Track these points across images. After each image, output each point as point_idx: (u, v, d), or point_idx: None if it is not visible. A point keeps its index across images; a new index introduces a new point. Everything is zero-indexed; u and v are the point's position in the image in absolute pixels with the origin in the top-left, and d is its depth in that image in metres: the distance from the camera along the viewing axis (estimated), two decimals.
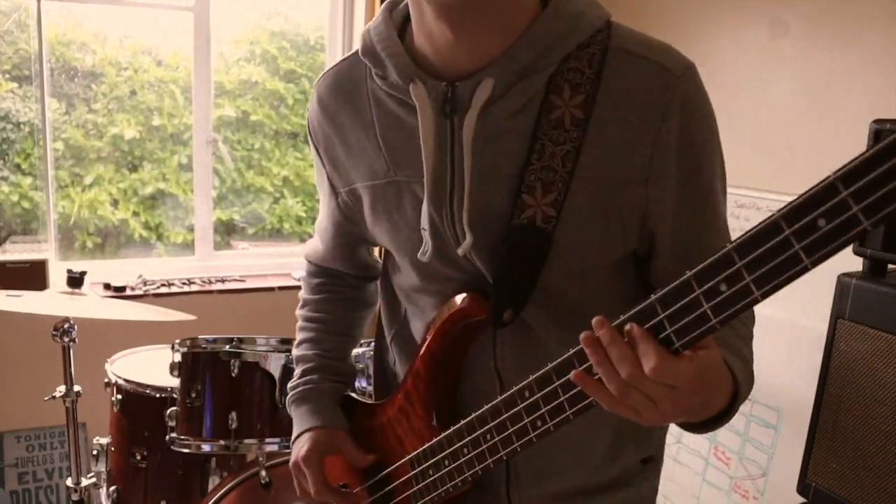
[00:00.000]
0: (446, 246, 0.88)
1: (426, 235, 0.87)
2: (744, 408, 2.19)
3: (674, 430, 2.56)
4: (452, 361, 0.95)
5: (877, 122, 1.44)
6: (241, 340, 1.73)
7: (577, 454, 0.97)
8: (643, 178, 0.82)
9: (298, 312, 1.19)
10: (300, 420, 1.09)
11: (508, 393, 0.80)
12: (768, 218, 0.59)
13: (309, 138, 1.01)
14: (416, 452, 0.95)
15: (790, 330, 2.04)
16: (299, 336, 1.17)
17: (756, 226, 0.60)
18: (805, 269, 0.57)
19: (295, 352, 1.16)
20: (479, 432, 0.84)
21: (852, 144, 1.92)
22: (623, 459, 0.99)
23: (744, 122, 2.21)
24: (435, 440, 0.92)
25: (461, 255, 0.86)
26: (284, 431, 1.75)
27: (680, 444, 2.39)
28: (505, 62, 0.79)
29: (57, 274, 2.65)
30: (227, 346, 1.72)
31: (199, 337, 1.74)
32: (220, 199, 3.11)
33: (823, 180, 0.54)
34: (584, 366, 0.71)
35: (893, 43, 1.85)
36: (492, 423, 0.82)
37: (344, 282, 1.17)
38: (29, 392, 2.33)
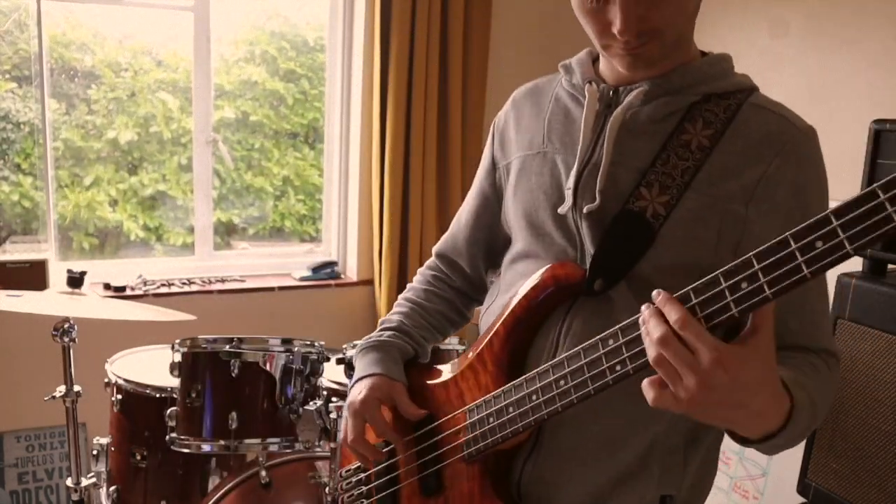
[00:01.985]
0: (569, 211, 1.02)
1: (569, 194, 1.02)
2: None
3: None
4: (531, 323, 1.02)
5: (877, 122, 1.44)
6: (241, 340, 1.73)
7: (601, 446, 1.00)
8: (746, 200, 0.94)
9: (401, 296, 1.28)
10: (363, 366, 1.15)
11: (591, 341, 0.87)
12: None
13: (491, 132, 1.21)
14: (475, 402, 1.01)
15: None
16: (394, 310, 1.26)
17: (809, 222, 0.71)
18: (804, 279, 0.70)
19: (383, 317, 1.24)
20: (552, 378, 0.91)
21: (852, 144, 1.91)
22: (644, 487, 0.99)
23: None
24: (500, 389, 0.98)
25: (586, 214, 1.00)
26: (284, 431, 1.75)
27: None
28: (659, 80, 0.98)
29: (57, 274, 2.65)
30: (227, 346, 1.72)
31: (199, 337, 1.74)
32: (221, 200, 3.11)
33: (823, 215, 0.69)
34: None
35: (893, 43, 1.85)
36: (568, 369, 0.89)
37: (453, 283, 1.28)
38: (29, 392, 2.33)
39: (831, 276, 1.52)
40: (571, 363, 0.88)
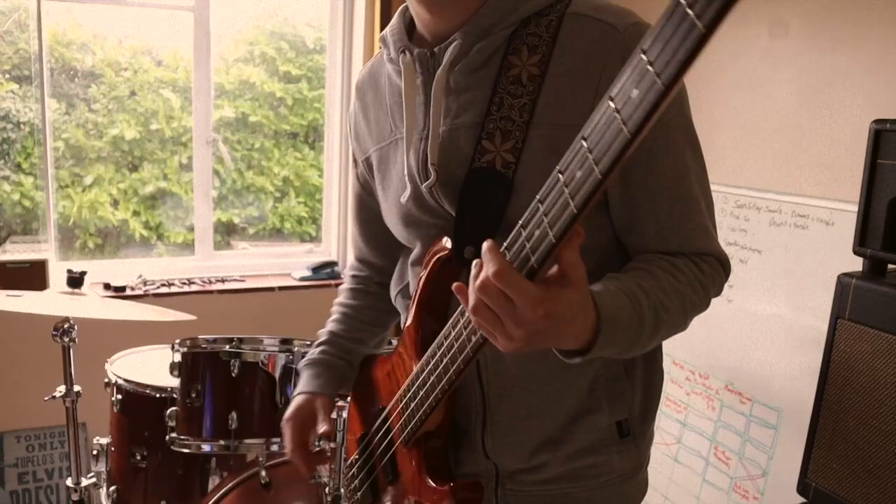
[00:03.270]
0: (421, 193, 0.99)
1: (406, 180, 1.00)
2: (743, 408, 2.19)
3: (674, 429, 2.55)
4: (437, 305, 1.02)
5: (877, 122, 1.44)
6: (241, 340, 1.72)
7: (548, 399, 1.01)
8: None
9: (335, 301, 1.35)
10: (298, 386, 1.25)
11: (455, 314, 0.87)
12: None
13: (348, 128, 1.20)
14: (401, 389, 1.04)
15: (790, 330, 2.04)
16: (329, 319, 1.32)
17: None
18: (574, 215, 0.64)
19: (319, 331, 1.31)
20: (438, 355, 0.92)
21: (852, 144, 1.91)
22: (596, 419, 1.02)
23: (744, 122, 2.21)
24: (412, 374, 1.00)
25: (426, 193, 0.98)
26: None
27: (680, 444, 2.39)
28: (468, 27, 0.93)
29: (57, 274, 2.65)
30: (227, 346, 1.71)
31: (199, 337, 1.74)
32: (221, 200, 3.11)
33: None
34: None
35: (893, 43, 1.85)
36: (445, 345, 0.90)
37: (373, 279, 1.31)
38: (29, 392, 2.33)
39: (831, 275, 1.52)
40: (446, 339, 0.89)
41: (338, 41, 3.09)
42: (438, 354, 0.91)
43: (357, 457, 1.19)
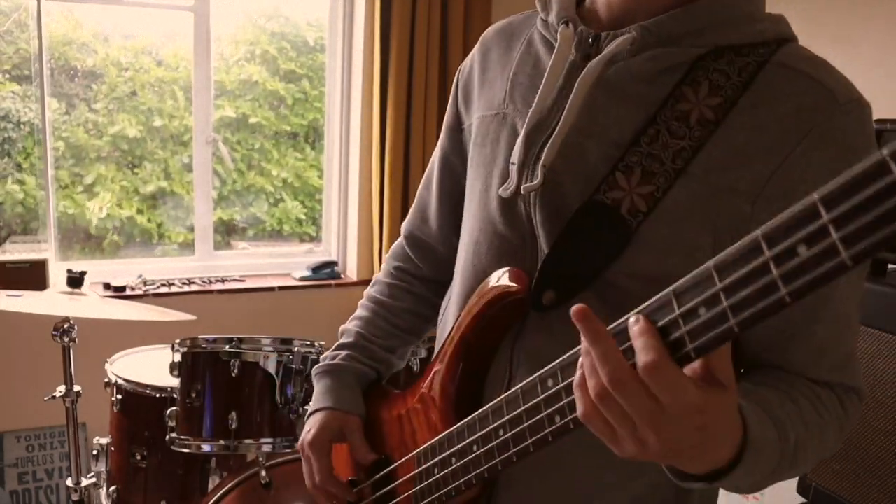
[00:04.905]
0: (517, 194, 0.81)
1: (513, 169, 0.81)
2: None
3: None
4: (484, 347, 0.84)
5: (877, 122, 1.44)
6: (241, 340, 1.73)
7: (565, 485, 0.83)
8: (753, 195, 0.71)
9: (366, 292, 1.12)
10: (316, 396, 1.02)
11: (529, 380, 0.69)
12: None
13: (455, 83, 1.00)
14: (423, 447, 0.86)
15: None
16: (355, 313, 1.10)
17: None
18: (782, 303, 0.47)
19: (343, 326, 1.09)
20: (491, 426, 0.73)
21: None
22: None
23: None
24: (444, 434, 0.81)
25: (520, 198, 0.81)
26: (284, 431, 1.75)
27: None
28: (652, 24, 0.75)
29: (57, 274, 2.65)
30: (227, 346, 1.71)
31: (199, 337, 1.74)
32: (221, 199, 3.11)
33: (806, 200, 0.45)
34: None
35: (893, 43, 1.85)
36: (507, 416, 0.71)
37: (420, 273, 1.10)
38: (29, 392, 2.33)
39: None
40: (510, 408, 0.70)
41: (338, 41, 3.09)
42: (494, 423, 0.73)
43: None
